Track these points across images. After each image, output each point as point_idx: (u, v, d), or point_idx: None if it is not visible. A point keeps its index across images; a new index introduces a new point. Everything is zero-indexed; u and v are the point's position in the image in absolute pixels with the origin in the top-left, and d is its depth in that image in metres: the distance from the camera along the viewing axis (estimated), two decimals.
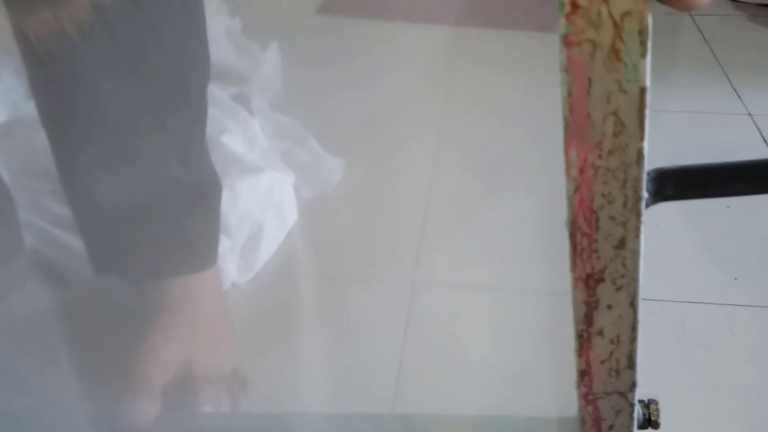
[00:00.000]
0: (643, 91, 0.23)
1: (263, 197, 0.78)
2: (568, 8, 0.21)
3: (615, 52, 0.22)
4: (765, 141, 1.01)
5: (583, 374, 0.34)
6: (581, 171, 0.25)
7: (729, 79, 1.18)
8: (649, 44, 0.22)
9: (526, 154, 0.92)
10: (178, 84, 0.56)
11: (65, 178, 0.60)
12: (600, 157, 0.25)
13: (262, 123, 0.96)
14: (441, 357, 0.65)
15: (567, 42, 0.22)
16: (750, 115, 1.08)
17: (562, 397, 0.60)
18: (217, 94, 0.95)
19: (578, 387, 0.35)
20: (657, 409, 0.38)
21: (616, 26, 0.22)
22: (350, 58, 1.20)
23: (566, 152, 0.25)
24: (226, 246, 0.72)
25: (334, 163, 0.91)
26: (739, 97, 1.13)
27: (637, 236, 0.28)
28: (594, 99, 0.23)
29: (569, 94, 0.23)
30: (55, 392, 0.60)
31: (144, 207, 0.58)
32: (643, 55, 0.22)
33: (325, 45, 1.27)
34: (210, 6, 0.90)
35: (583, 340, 0.32)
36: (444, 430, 0.54)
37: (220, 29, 1.09)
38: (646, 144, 0.25)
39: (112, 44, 0.51)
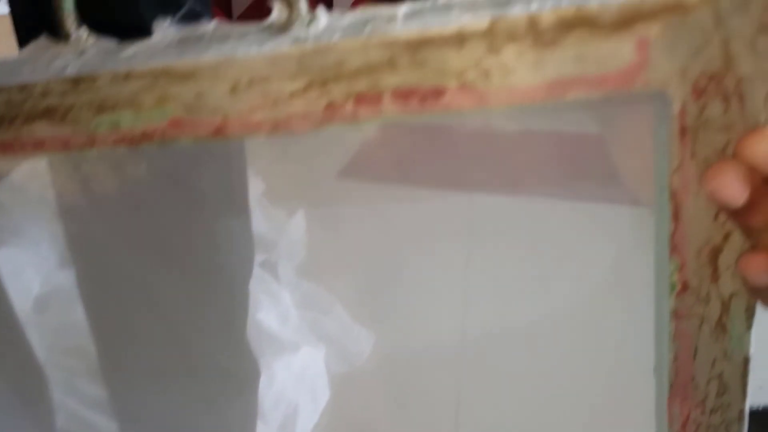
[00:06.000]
0: (746, 360, 0.24)
1: (297, 376, 0.78)
2: (678, 287, 0.23)
3: (721, 326, 0.24)
4: None
5: None
6: (683, 425, 0.26)
7: None
8: (753, 320, 0.24)
9: (554, 317, 0.92)
10: (223, 276, 0.57)
11: (104, 361, 0.60)
12: (703, 413, 0.26)
13: (290, 292, 0.97)
14: None
15: (676, 315, 0.23)
16: None
17: None
18: None
19: None
20: None
21: (724, 304, 0.23)
22: (372, 222, 1.23)
23: (669, 409, 0.26)
24: (261, 431, 0.70)
25: (362, 334, 0.90)
26: None
27: None
28: (699, 364, 0.24)
29: (675, 358, 0.24)
30: None
31: (185, 393, 0.57)
32: (749, 328, 0.24)
33: (347, 209, 1.30)
34: None
35: None
36: None
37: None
38: (746, 405, 0.26)
39: (160, 230, 0.53)
